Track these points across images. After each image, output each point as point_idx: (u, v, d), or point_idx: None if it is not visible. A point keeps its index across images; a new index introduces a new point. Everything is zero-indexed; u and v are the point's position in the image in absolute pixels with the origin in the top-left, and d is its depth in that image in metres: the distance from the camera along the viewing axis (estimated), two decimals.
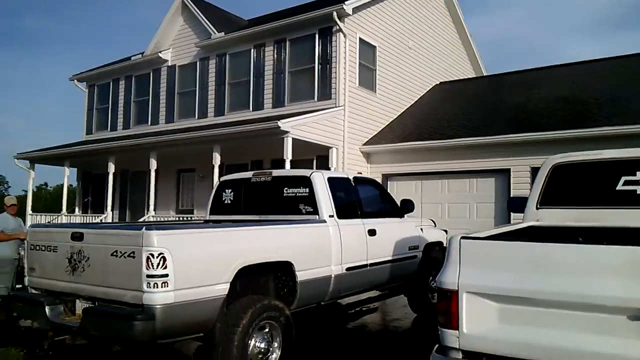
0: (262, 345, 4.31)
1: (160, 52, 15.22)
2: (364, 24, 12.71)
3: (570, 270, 2.28)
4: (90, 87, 18.00)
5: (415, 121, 13.34)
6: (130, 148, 12.96)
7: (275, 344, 4.43)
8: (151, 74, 15.91)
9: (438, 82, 16.32)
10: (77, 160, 15.53)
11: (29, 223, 15.77)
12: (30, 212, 15.87)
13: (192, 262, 3.80)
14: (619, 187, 4.03)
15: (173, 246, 3.68)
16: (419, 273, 6.93)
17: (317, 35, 12.22)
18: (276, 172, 5.95)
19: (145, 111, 16.04)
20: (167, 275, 3.61)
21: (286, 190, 5.72)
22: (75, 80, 18.04)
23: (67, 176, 15.24)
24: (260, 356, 4.28)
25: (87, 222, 13.46)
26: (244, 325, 4.07)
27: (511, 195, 10.58)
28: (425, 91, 15.73)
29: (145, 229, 3.64)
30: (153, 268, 3.57)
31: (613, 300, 2.24)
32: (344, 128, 11.83)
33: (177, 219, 13.09)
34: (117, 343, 4.20)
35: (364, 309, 7.60)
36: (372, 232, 5.92)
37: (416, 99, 15.16)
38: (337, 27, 11.75)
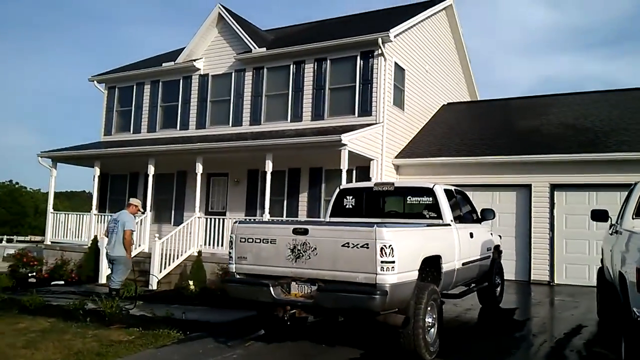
0: (429, 320, 5.49)
1: (194, 60, 15.99)
2: (398, 49, 14.10)
3: None
4: (110, 89, 18.41)
5: (437, 138, 14.83)
6: (178, 152, 13.68)
7: (434, 321, 5.62)
8: (181, 80, 16.62)
9: (445, 103, 17.95)
10: (103, 161, 15.92)
11: (50, 221, 16.03)
12: (52, 210, 16.14)
13: (405, 252, 4.95)
14: None
15: (396, 239, 4.82)
16: (490, 271, 8.30)
17: (358, 57, 13.48)
18: (398, 183, 7.18)
19: (173, 116, 16.69)
20: (394, 262, 4.75)
21: (409, 198, 6.94)
22: (95, 82, 18.42)
23: (97, 176, 15.67)
24: (428, 328, 5.46)
25: None
26: (425, 303, 5.25)
27: (534, 210, 12.24)
28: (436, 111, 17.31)
29: (377, 227, 4.76)
30: (386, 255, 4.71)
31: None
32: (382, 142, 13.13)
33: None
34: (347, 315, 5.24)
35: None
36: (471, 235, 7.21)
37: (430, 118, 16.71)
38: (380, 52, 13.07)
